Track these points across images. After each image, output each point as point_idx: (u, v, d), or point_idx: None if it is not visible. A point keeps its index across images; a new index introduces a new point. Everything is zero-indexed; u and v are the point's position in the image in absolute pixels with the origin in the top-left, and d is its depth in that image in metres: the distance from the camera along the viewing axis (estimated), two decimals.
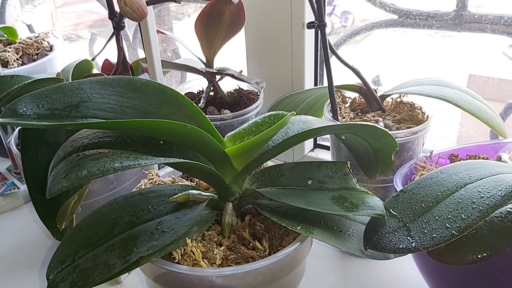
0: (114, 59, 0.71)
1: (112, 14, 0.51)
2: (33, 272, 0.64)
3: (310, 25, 0.52)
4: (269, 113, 0.45)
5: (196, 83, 0.73)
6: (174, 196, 0.43)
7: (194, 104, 0.44)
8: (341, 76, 0.63)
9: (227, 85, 0.72)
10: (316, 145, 0.78)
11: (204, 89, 0.69)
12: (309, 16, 0.65)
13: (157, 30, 0.60)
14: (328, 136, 0.76)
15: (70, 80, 0.63)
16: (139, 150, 0.41)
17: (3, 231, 0.73)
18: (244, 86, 0.71)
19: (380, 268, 0.59)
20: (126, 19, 0.53)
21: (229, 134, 0.45)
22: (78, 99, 0.41)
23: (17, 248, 0.69)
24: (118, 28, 0.50)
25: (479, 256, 0.39)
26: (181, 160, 0.39)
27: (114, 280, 0.61)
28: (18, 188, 0.78)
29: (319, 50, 0.69)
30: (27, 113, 0.40)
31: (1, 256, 0.67)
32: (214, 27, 0.63)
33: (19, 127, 0.65)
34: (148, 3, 0.41)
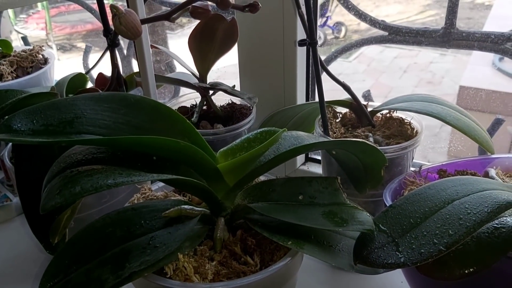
0: (108, 72, 0.71)
1: (107, 31, 0.52)
2: (25, 286, 0.64)
3: (301, 43, 0.54)
4: (261, 130, 0.45)
5: (189, 97, 0.74)
6: (167, 211, 0.43)
7: (187, 121, 0.45)
8: (333, 90, 0.64)
9: (220, 99, 0.72)
10: (308, 159, 0.79)
11: (197, 103, 0.70)
12: (301, 33, 0.66)
13: (151, 45, 0.61)
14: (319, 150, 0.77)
15: (65, 94, 0.63)
16: (132, 166, 0.41)
17: None
18: (237, 100, 0.72)
19: (370, 282, 0.60)
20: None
21: (222, 150, 0.46)
22: (72, 115, 0.42)
23: (9, 261, 0.69)
24: (112, 45, 0.50)
25: (467, 271, 0.40)
26: (174, 176, 0.40)
27: None
28: (11, 200, 0.78)
29: (310, 66, 0.70)
30: (22, 129, 0.40)
31: None
32: (208, 43, 0.63)
33: None
34: (142, 22, 0.42)
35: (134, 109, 0.44)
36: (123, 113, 0.44)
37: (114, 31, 0.49)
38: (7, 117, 0.41)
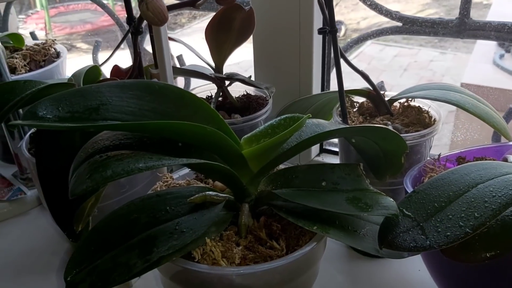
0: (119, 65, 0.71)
1: (130, 19, 0.52)
2: (41, 278, 0.64)
3: (321, 31, 0.54)
4: (285, 116, 0.46)
5: (204, 89, 0.74)
6: (192, 197, 0.43)
7: (211, 107, 0.45)
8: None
9: (235, 91, 0.73)
10: (323, 150, 0.79)
11: (213, 95, 0.70)
12: (318, 22, 0.67)
13: (168, 37, 0.61)
14: (335, 140, 0.78)
15: (82, 85, 0.63)
16: (159, 152, 0.41)
17: (10, 237, 0.73)
18: (252, 92, 0.73)
19: (388, 270, 0.60)
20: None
21: (246, 136, 0.46)
22: (97, 102, 0.42)
23: (26, 254, 0.69)
24: (136, 33, 0.50)
25: (493, 253, 0.40)
26: (202, 161, 0.40)
27: (125, 284, 0.62)
28: (25, 193, 0.78)
29: (326, 55, 0.70)
30: (47, 116, 0.40)
31: (9, 261, 0.67)
32: (225, 33, 0.64)
33: (30, 132, 0.65)
34: (168, 8, 0.42)
35: (159, 96, 0.44)
36: (148, 100, 0.44)
37: (138, 18, 0.49)
38: (31, 104, 0.41)
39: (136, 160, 0.37)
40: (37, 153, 0.54)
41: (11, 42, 0.89)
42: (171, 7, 0.45)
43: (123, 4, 0.55)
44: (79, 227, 0.49)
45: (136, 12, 0.49)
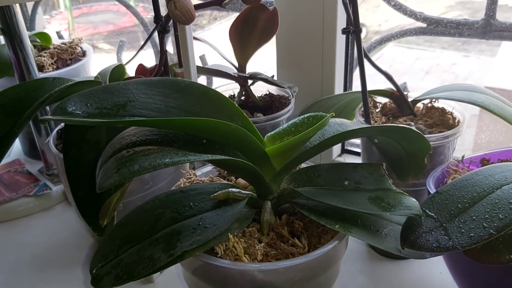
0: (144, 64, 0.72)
1: (157, 18, 0.53)
2: (66, 271, 0.65)
3: (345, 31, 0.54)
4: (308, 114, 0.46)
5: (227, 88, 0.75)
6: (215, 194, 0.44)
7: (235, 105, 0.45)
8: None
9: (257, 90, 0.73)
10: (344, 150, 0.79)
11: (236, 94, 0.71)
12: (341, 22, 0.67)
13: (193, 37, 0.62)
14: (356, 140, 0.78)
15: (108, 83, 0.65)
16: (184, 148, 0.42)
17: (36, 231, 0.75)
18: (274, 91, 0.73)
19: (409, 272, 0.60)
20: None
21: (269, 134, 0.46)
22: (125, 99, 0.43)
23: (50, 248, 0.71)
24: (163, 31, 0.51)
25: None
26: (226, 157, 0.41)
27: (147, 279, 0.63)
28: (50, 189, 0.80)
29: (349, 55, 0.71)
30: (76, 112, 0.41)
31: (35, 255, 0.69)
32: (248, 33, 0.64)
33: (57, 128, 0.67)
34: (196, 7, 0.43)
35: (185, 93, 0.45)
36: (174, 97, 0.45)
37: (165, 17, 0.50)
38: (61, 100, 0.42)
39: (162, 156, 0.38)
40: (65, 148, 0.56)
41: (39, 41, 0.91)
42: (198, 6, 0.45)
43: (145, 5, 0.56)
44: (104, 221, 0.50)
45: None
